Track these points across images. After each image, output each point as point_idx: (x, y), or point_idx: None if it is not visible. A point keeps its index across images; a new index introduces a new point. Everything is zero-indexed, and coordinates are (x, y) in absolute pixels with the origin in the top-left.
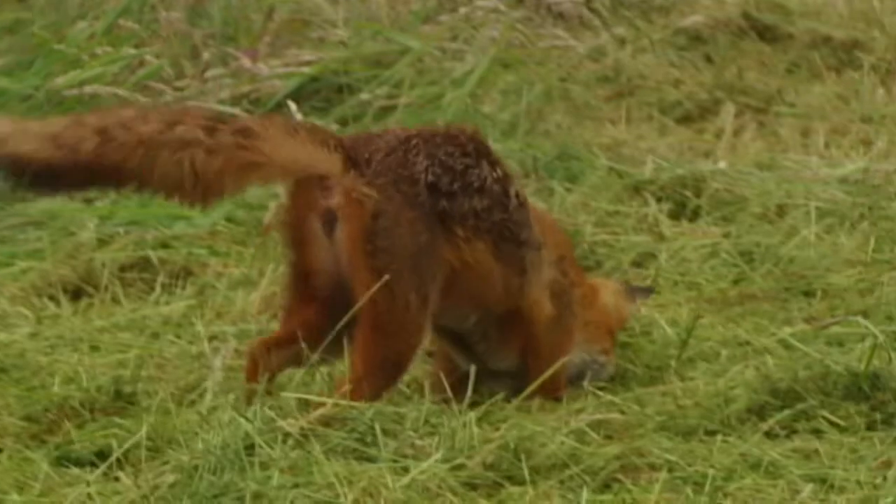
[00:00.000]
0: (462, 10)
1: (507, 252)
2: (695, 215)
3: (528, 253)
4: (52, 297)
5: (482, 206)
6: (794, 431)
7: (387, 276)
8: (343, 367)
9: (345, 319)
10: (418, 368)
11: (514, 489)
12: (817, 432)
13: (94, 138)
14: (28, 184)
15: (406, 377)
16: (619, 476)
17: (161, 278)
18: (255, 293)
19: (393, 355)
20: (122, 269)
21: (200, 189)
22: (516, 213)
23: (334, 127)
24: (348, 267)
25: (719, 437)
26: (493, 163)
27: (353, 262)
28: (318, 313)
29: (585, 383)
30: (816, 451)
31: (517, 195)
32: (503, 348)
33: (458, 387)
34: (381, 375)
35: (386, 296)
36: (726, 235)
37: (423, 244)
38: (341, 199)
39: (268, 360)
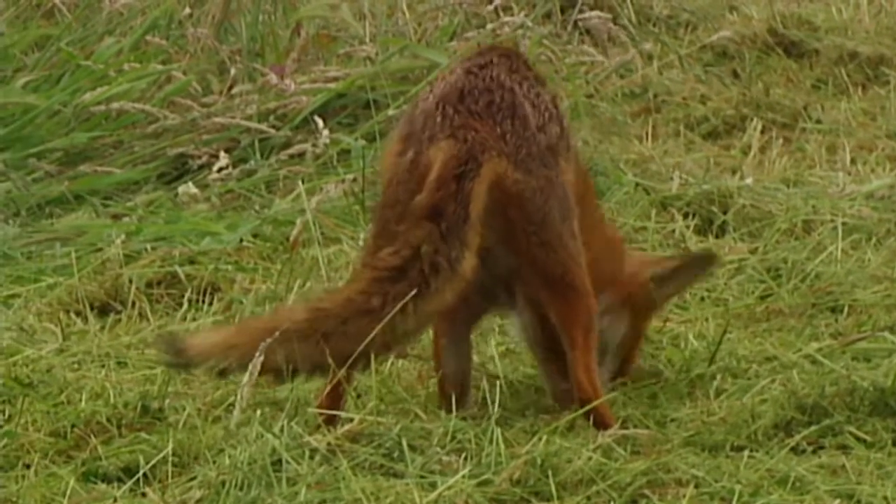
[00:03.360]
0: (489, 25)
1: (580, 171)
2: (721, 231)
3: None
4: (79, 313)
5: (558, 131)
6: (821, 447)
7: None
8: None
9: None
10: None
11: None
12: (844, 448)
13: None
14: None
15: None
16: (646, 492)
17: (188, 294)
18: None
19: (588, 311)
20: (150, 284)
21: None
22: (568, 127)
23: (361, 143)
24: (509, 250)
25: (746, 453)
26: (542, 81)
27: (516, 246)
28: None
29: None
30: (843, 466)
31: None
32: None
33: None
34: (591, 337)
35: (558, 262)
36: (753, 251)
37: (563, 195)
38: (495, 192)
39: None
